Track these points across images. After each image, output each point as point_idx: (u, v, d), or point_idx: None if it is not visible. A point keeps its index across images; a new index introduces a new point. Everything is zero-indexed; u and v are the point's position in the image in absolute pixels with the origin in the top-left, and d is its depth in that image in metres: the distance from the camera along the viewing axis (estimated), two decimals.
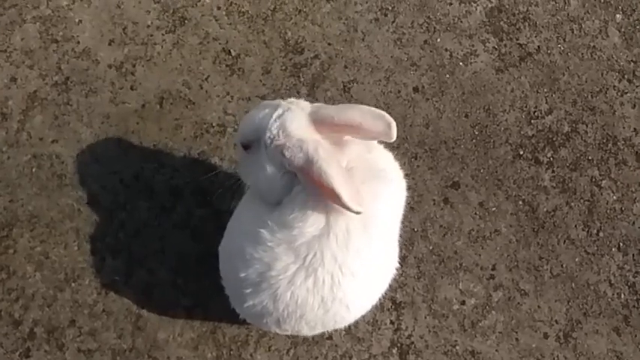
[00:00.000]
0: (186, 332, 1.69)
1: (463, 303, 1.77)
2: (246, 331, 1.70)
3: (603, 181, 1.90)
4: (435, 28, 2.03)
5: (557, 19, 2.07)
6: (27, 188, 1.78)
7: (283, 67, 1.95)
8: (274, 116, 1.31)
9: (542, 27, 2.05)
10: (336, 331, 1.71)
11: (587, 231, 1.85)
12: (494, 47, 2.02)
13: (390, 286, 1.74)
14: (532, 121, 1.95)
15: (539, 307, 1.78)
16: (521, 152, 1.92)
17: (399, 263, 1.77)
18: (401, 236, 1.78)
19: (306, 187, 1.27)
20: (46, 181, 1.79)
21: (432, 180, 1.87)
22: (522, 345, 1.75)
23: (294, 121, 1.29)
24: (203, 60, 1.94)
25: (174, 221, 1.79)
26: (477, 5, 2.06)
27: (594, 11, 2.08)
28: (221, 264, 1.51)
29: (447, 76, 1.98)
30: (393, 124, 1.26)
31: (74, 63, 1.91)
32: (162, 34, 1.95)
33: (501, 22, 2.05)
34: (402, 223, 1.79)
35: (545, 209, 1.87)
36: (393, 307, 1.76)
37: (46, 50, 1.91)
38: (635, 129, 1.96)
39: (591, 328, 1.77)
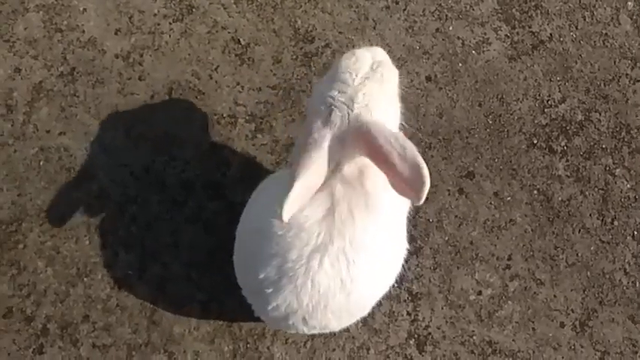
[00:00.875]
0: (202, 326, 1.72)
1: (479, 293, 1.81)
2: (262, 324, 1.72)
3: (617, 170, 1.95)
4: (446, 15, 2.05)
5: (569, 7, 2.10)
6: (35, 182, 1.79)
7: (294, 57, 1.97)
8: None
9: (555, 14, 2.08)
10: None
11: (602, 220, 1.90)
12: (506, 35, 2.05)
13: (406, 277, 1.79)
14: (545, 109, 1.99)
15: (555, 296, 1.82)
16: (535, 141, 1.96)
17: (415, 254, 1.81)
18: (416, 227, 1.83)
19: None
20: (55, 175, 1.80)
21: (447, 170, 1.91)
22: (539, 334, 1.79)
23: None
24: (212, 49, 1.95)
25: (187, 215, 1.80)
26: None
27: None
28: (238, 272, 1.54)
29: (460, 64, 2.00)
30: (425, 189, 1.16)
31: (80, 53, 1.91)
32: (170, 23, 1.96)
33: (513, 10, 2.08)
34: (417, 214, 1.84)
35: (559, 198, 1.91)
36: (409, 298, 1.79)
37: (50, 40, 1.91)
38: None
39: (607, 317, 1.82)
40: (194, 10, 1.98)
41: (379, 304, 1.76)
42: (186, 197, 1.81)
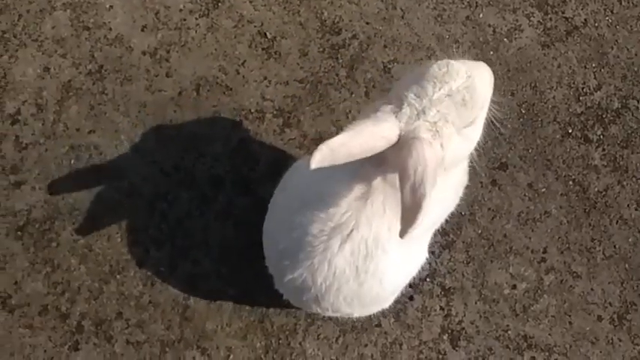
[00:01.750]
0: (234, 322, 1.76)
1: (514, 287, 1.82)
2: (294, 319, 1.76)
3: None
4: (476, 2, 2.05)
5: None
6: (66, 180, 1.84)
7: (321, 49, 1.99)
8: None
9: None
10: (385, 317, 1.77)
11: None
12: (539, 21, 2.04)
13: (439, 271, 1.81)
14: (580, 97, 1.98)
15: (592, 289, 1.83)
16: (570, 130, 1.95)
17: (447, 248, 1.83)
18: (447, 221, 1.84)
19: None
20: (86, 173, 1.85)
21: (479, 161, 1.91)
22: (576, 328, 1.80)
23: None
24: (238, 44, 1.98)
25: (216, 211, 1.84)
26: None
27: None
28: (264, 241, 1.60)
29: (491, 52, 2.00)
30: (408, 229, 1.16)
31: (107, 50, 1.96)
32: (196, 19, 1.99)
33: None
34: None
35: (596, 189, 1.90)
36: (442, 293, 1.81)
37: (77, 38, 1.96)
38: None
39: None
40: (220, 4, 2.01)
41: (411, 298, 1.79)
42: (216, 193, 1.85)
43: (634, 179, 1.92)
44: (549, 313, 1.80)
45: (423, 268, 1.81)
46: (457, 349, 1.78)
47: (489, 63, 1.97)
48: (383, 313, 1.76)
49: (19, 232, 1.80)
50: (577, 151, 1.94)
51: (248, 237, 1.80)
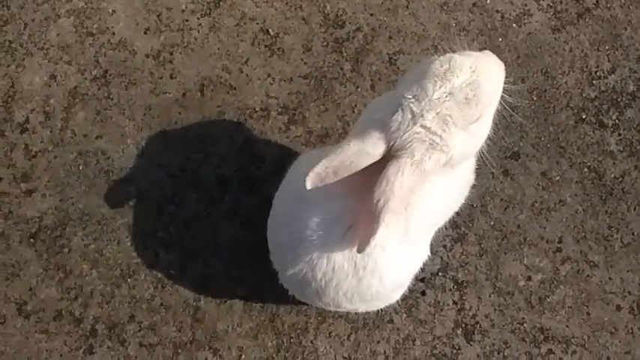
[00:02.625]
0: (245, 322, 1.80)
1: (529, 279, 1.82)
2: (305, 318, 1.79)
3: None
4: None
5: None
6: (76, 186, 1.90)
7: (324, 43, 2.01)
8: None
9: None
10: (397, 313, 1.79)
11: None
12: (549, 5, 2.03)
13: (451, 265, 1.82)
14: (594, 81, 1.96)
15: (610, 278, 1.82)
16: (584, 116, 1.94)
17: (459, 241, 1.84)
18: (459, 214, 1.85)
19: None
20: (94, 178, 1.91)
21: (490, 151, 1.89)
22: (594, 319, 1.79)
23: None
24: (241, 42, 2.01)
25: (224, 211, 1.88)
26: None
27: None
28: (268, 236, 1.64)
29: (500, 39, 2.00)
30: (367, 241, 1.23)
31: (111, 55, 2.01)
32: (198, 19, 2.03)
33: None
34: None
35: (612, 175, 1.89)
36: (455, 286, 1.82)
37: (82, 44, 2.02)
38: None
39: None
40: (221, 3, 2.05)
41: (423, 293, 1.81)
42: (223, 193, 1.89)
43: None
44: (566, 304, 1.80)
45: (434, 262, 1.83)
46: (472, 343, 1.79)
47: (498, 50, 1.98)
48: (395, 309, 1.79)
49: (31, 239, 1.87)
50: (592, 137, 1.92)
51: (256, 236, 1.84)
